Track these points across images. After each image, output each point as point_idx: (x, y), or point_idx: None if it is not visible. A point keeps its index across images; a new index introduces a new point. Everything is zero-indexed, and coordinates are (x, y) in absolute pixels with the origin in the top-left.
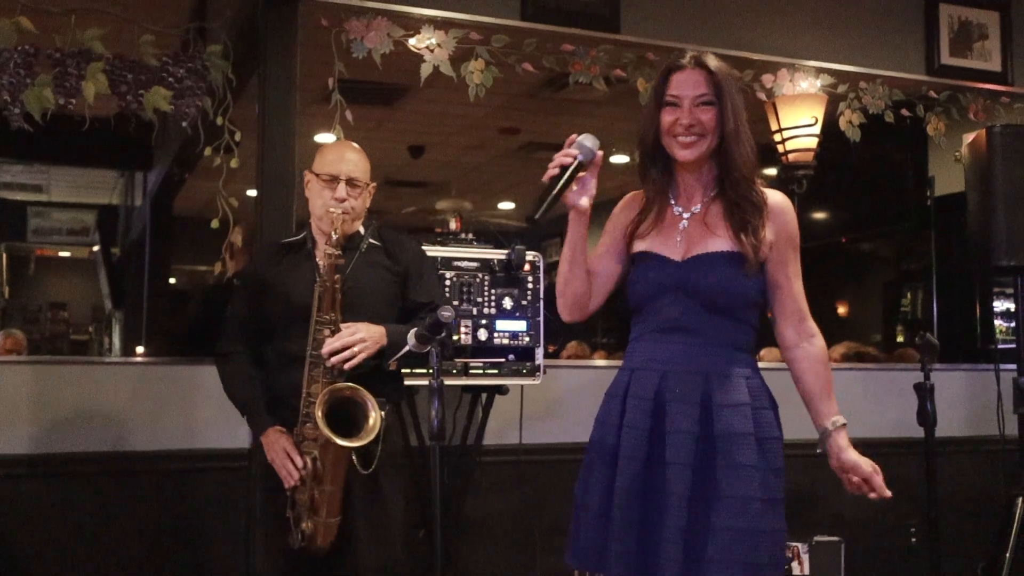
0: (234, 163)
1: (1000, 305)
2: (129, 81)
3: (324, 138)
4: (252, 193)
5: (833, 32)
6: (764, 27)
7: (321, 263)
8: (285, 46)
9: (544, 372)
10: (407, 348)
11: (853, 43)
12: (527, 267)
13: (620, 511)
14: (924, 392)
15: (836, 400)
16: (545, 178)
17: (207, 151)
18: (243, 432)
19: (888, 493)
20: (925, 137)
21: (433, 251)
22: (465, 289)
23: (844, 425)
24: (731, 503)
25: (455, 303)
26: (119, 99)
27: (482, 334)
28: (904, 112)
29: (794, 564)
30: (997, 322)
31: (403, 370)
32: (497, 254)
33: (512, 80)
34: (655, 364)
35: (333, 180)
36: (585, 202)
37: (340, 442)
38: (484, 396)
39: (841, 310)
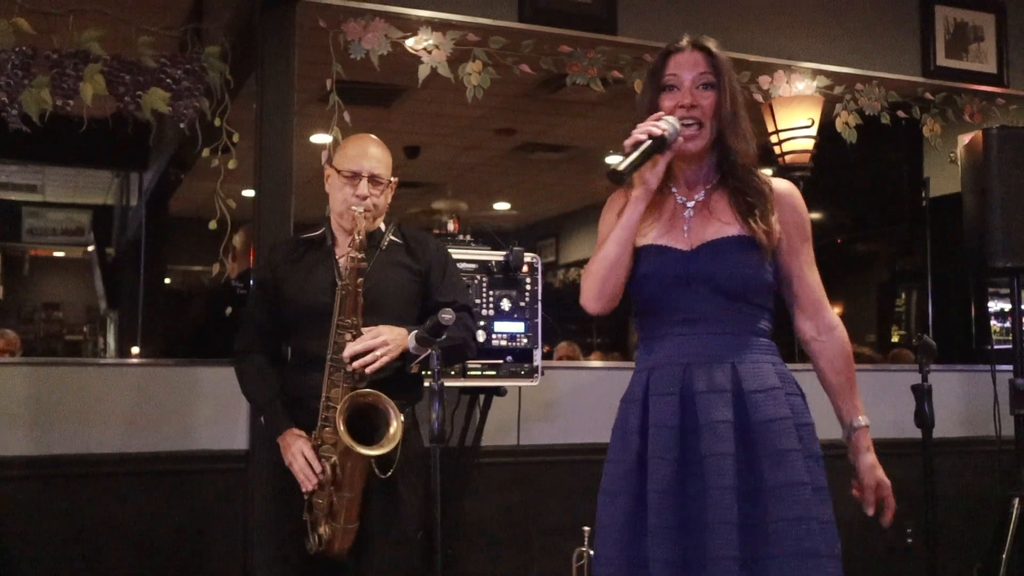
0: (232, 164)
1: (995, 306)
2: (127, 82)
3: (322, 139)
4: (249, 194)
5: (829, 34)
6: (761, 29)
7: (342, 262)
8: (283, 47)
9: (542, 373)
10: (430, 351)
11: (849, 45)
12: (525, 268)
13: (657, 516)
14: (922, 393)
15: (860, 396)
16: (629, 142)
17: (205, 152)
18: (241, 433)
19: (871, 512)
20: (921, 138)
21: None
22: None
23: (866, 426)
24: (779, 492)
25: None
26: (117, 100)
27: (480, 335)
28: (900, 113)
29: None
30: (993, 323)
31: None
32: (495, 255)
33: (509, 81)
34: (676, 358)
35: (355, 177)
36: (654, 182)
37: (362, 451)
38: (482, 397)
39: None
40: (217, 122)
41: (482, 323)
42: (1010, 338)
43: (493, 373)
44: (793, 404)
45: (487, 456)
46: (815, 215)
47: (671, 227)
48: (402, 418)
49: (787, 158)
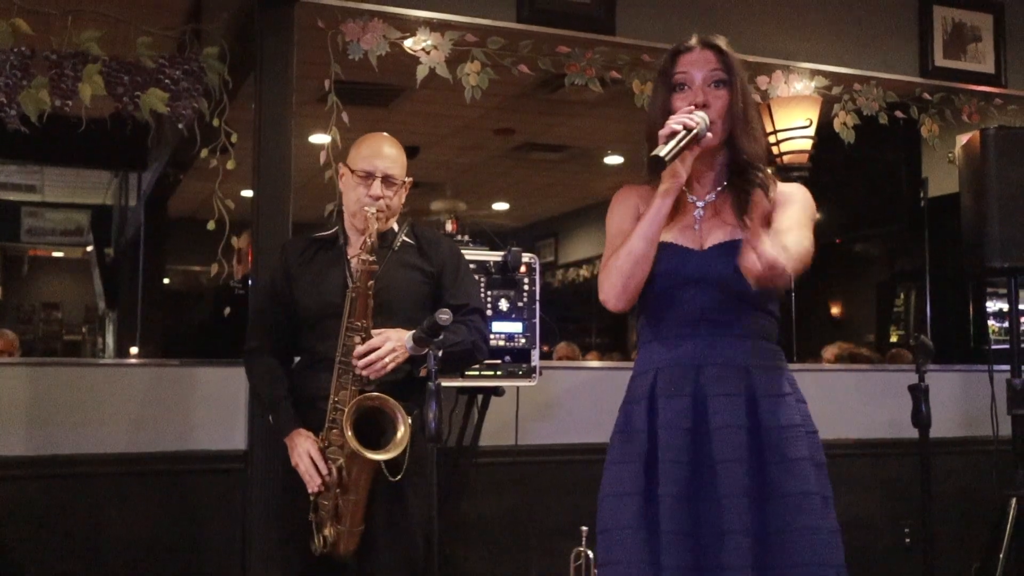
0: (230, 165)
1: (993, 305)
2: (125, 83)
3: (320, 139)
4: (248, 194)
5: (827, 34)
6: (759, 29)
7: (354, 263)
8: (281, 48)
9: (540, 374)
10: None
11: (847, 45)
12: (523, 268)
13: (670, 521)
14: (919, 393)
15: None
16: (664, 132)
17: (203, 153)
18: (239, 434)
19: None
20: (919, 138)
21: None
22: None
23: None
24: (790, 501)
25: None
26: (115, 101)
27: None
28: (898, 114)
29: None
30: (990, 322)
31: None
32: (493, 256)
33: (507, 81)
34: (686, 359)
35: (368, 177)
36: (684, 176)
37: (369, 455)
38: (480, 398)
39: (835, 311)
40: (216, 122)
41: None
42: (1008, 338)
43: (491, 373)
44: (803, 412)
45: (485, 456)
46: None
47: (683, 226)
48: (409, 421)
49: (785, 158)
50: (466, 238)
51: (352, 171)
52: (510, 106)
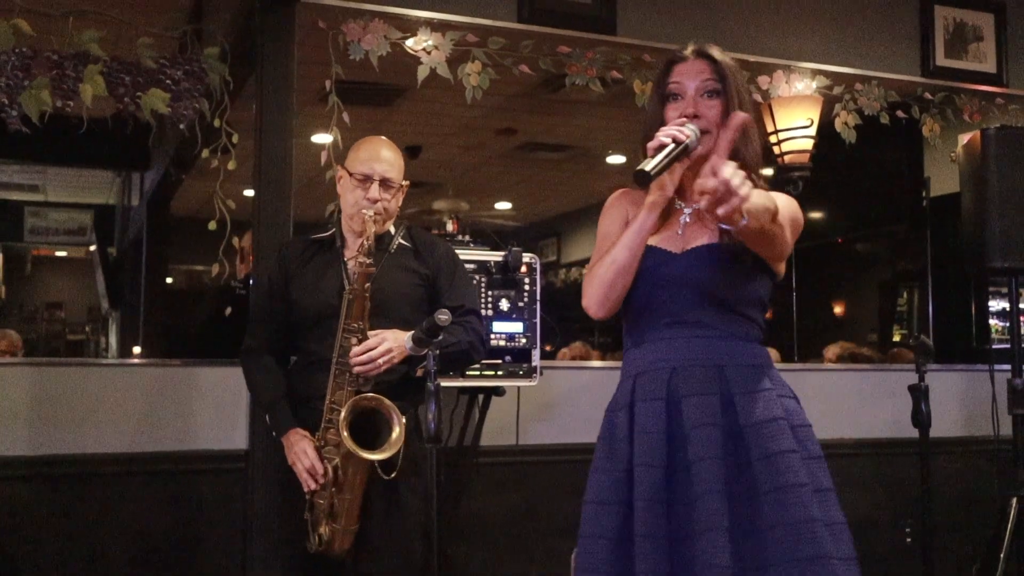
0: (231, 165)
1: (995, 305)
2: (127, 83)
3: (321, 139)
4: (249, 194)
5: (829, 34)
6: (760, 29)
7: (351, 265)
8: (282, 48)
9: (541, 373)
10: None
11: (849, 45)
12: (524, 268)
13: (644, 525)
14: (919, 393)
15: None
16: (652, 145)
17: (205, 153)
18: (241, 434)
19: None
20: (920, 138)
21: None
22: None
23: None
24: (776, 496)
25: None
26: (116, 101)
27: None
28: (899, 113)
29: None
30: (992, 322)
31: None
32: (494, 255)
33: (508, 81)
34: (661, 363)
35: (366, 180)
36: (671, 189)
37: (365, 455)
38: (481, 398)
39: (837, 310)
40: (217, 123)
41: None
42: (1009, 337)
43: (492, 373)
44: (787, 406)
45: (486, 456)
46: (815, 215)
47: (668, 231)
48: (404, 421)
49: (786, 158)
50: (467, 238)
51: (350, 174)
52: (511, 106)
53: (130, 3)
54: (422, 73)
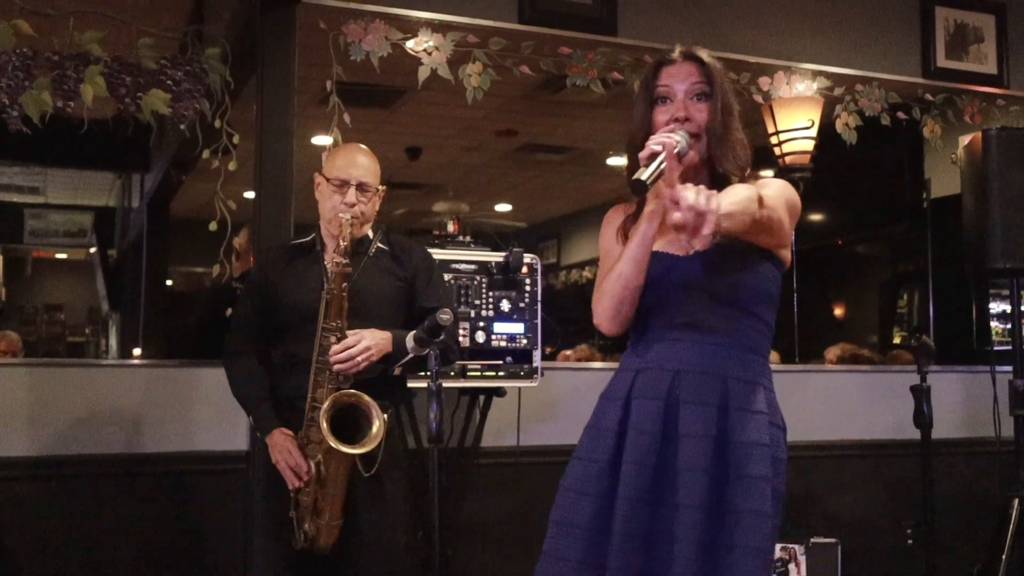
0: (232, 166)
1: (996, 307)
2: (127, 84)
3: (322, 140)
4: (250, 195)
5: (829, 35)
6: (761, 30)
7: (329, 268)
8: (283, 49)
9: (542, 374)
10: (411, 355)
11: (849, 46)
12: (524, 269)
13: (625, 523)
14: (921, 394)
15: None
16: (644, 155)
17: (205, 154)
18: (241, 434)
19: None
20: (921, 139)
21: (431, 253)
22: (463, 291)
23: None
24: (746, 518)
25: (452, 305)
26: (117, 102)
27: (480, 336)
28: (900, 115)
29: (791, 566)
30: (993, 323)
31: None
32: (495, 256)
33: (509, 82)
34: (666, 364)
35: (343, 185)
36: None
37: (345, 450)
38: (482, 398)
39: (837, 311)
40: (217, 123)
41: (482, 324)
42: (1010, 339)
43: (493, 374)
44: (773, 435)
45: (487, 457)
46: (816, 216)
47: (668, 235)
48: (384, 417)
49: (787, 159)
50: (468, 239)
51: (327, 180)
52: (512, 107)
53: (131, 4)
54: (423, 74)
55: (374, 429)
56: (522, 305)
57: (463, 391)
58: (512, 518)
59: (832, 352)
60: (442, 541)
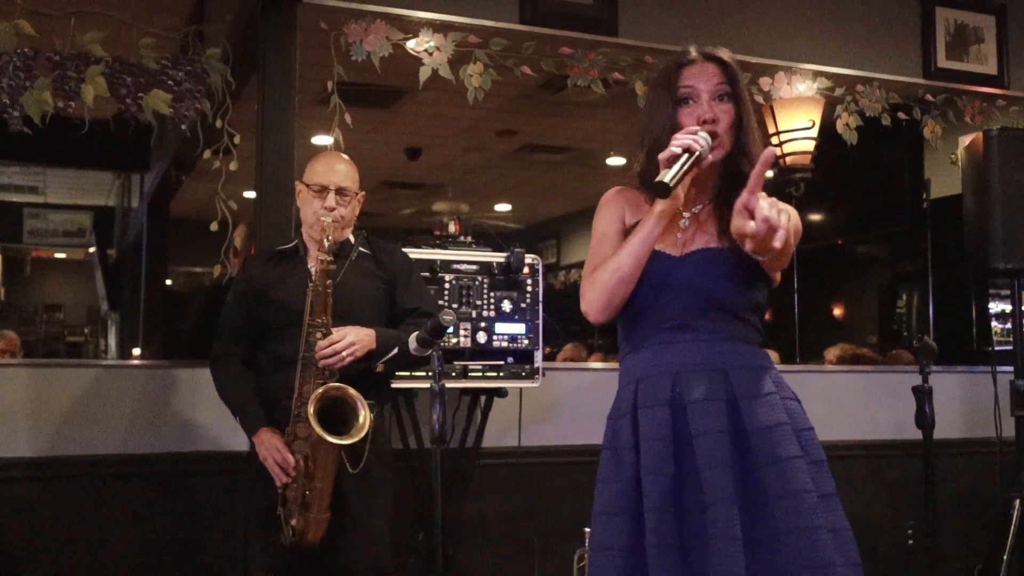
0: (233, 166)
1: (996, 307)
2: (128, 84)
3: (323, 140)
4: (250, 195)
5: (830, 35)
6: (761, 30)
7: (313, 269)
8: (284, 49)
9: (543, 375)
10: (395, 351)
11: (850, 46)
12: (526, 270)
13: (656, 535)
14: (923, 395)
15: None
16: (664, 156)
17: (206, 154)
18: (241, 435)
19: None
20: (921, 140)
21: (432, 254)
22: (464, 292)
23: None
24: (784, 503)
25: (454, 306)
26: (118, 102)
27: (481, 337)
28: (900, 115)
29: None
30: (993, 324)
31: (405, 373)
32: (496, 257)
33: (509, 83)
34: (665, 367)
35: (323, 190)
36: (682, 196)
37: (331, 439)
38: (483, 399)
39: (837, 312)
40: (218, 124)
41: (483, 324)
42: (1011, 339)
43: (494, 374)
44: (790, 409)
45: (488, 457)
46: (815, 216)
47: (667, 234)
48: (369, 406)
49: (788, 159)
50: (469, 239)
51: (308, 186)
52: (512, 107)
53: (132, 4)
54: (424, 74)
55: (360, 420)
56: (523, 305)
57: (464, 391)
58: (513, 518)
59: (831, 352)
60: (444, 541)
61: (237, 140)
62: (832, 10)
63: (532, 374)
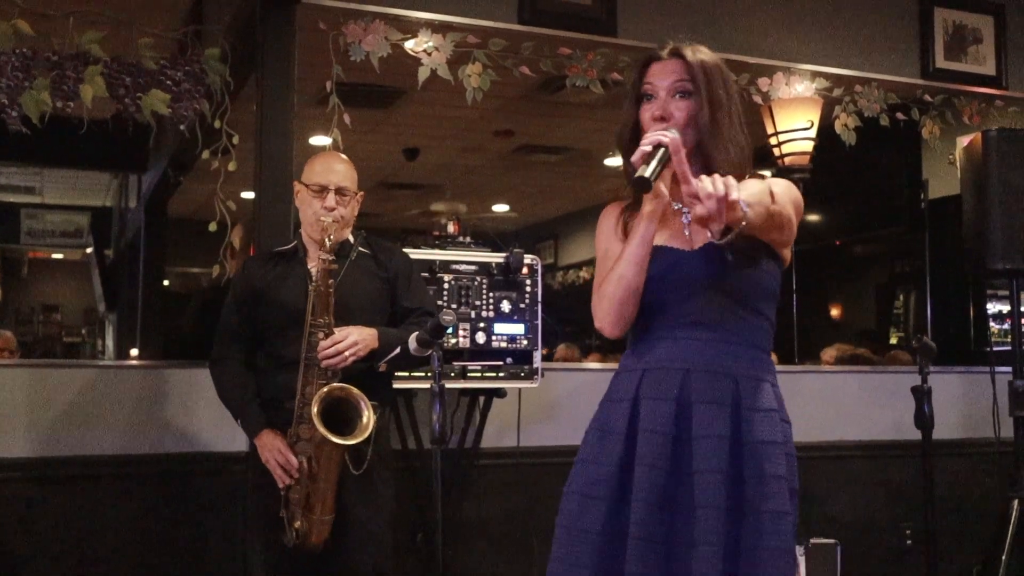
0: (232, 166)
1: (994, 307)
2: (127, 84)
3: (321, 140)
4: (248, 195)
5: (829, 36)
6: (760, 30)
7: (313, 269)
8: (283, 49)
9: (542, 375)
10: (397, 351)
11: (848, 47)
12: (525, 270)
13: (641, 527)
14: (922, 395)
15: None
16: (636, 157)
17: (205, 154)
18: (241, 436)
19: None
20: (919, 140)
21: (431, 254)
22: (463, 292)
23: None
24: (766, 518)
25: (453, 306)
26: (117, 102)
27: (480, 337)
28: (899, 115)
29: None
30: (991, 324)
31: (404, 374)
32: (495, 257)
33: (508, 83)
34: (675, 363)
35: (322, 190)
36: (666, 194)
37: (336, 440)
38: (482, 399)
39: (835, 312)
40: (217, 124)
41: (482, 325)
42: (1009, 340)
43: (493, 375)
44: (785, 432)
45: (487, 458)
46: (814, 217)
47: (673, 231)
48: (373, 406)
49: (786, 160)
50: (468, 239)
51: (307, 186)
52: (511, 108)
53: (130, 4)
54: (423, 75)
55: (364, 419)
56: (522, 306)
57: (463, 392)
58: (512, 518)
59: (828, 353)
60: (443, 542)
61: (236, 140)
62: (830, 10)
63: (531, 374)
